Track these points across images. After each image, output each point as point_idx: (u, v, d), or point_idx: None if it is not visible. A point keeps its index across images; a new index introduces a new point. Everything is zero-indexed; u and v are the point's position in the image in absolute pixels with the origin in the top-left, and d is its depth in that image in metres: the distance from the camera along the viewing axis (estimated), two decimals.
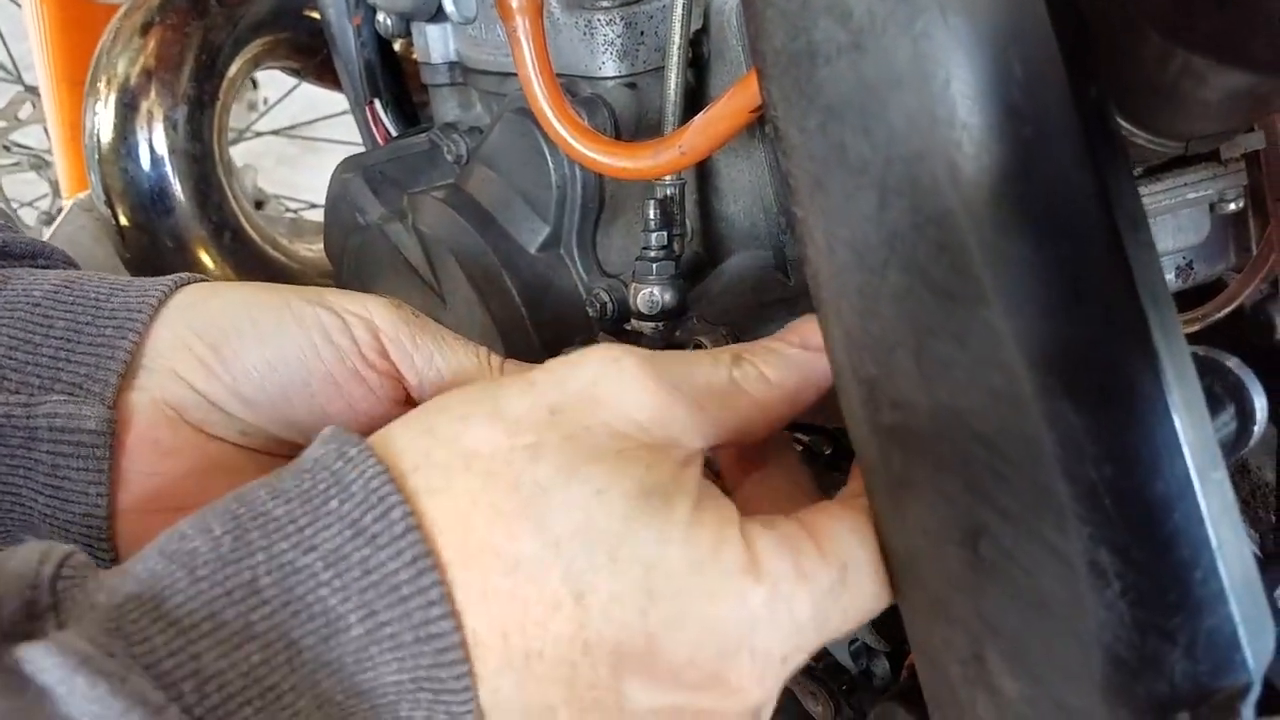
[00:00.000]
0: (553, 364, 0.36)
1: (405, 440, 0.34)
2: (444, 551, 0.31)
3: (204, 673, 0.28)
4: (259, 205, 2.21)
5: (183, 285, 0.45)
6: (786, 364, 0.37)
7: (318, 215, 2.07)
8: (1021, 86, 0.28)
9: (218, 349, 0.42)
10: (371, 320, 0.44)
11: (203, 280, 0.46)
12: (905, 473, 0.34)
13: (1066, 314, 0.29)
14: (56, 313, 0.42)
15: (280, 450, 0.45)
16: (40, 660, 0.27)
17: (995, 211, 0.29)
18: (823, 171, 0.33)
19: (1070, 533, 0.30)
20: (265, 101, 2.06)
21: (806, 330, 0.38)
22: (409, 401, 0.45)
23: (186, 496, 0.41)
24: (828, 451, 0.52)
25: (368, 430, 0.35)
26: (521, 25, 0.49)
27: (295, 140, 2.21)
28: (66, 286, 0.43)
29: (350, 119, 0.93)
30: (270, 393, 0.43)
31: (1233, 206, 0.44)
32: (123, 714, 0.26)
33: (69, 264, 0.51)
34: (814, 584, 0.33)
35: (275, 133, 2.10)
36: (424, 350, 0.45)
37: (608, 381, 0.34)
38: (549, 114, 0.50)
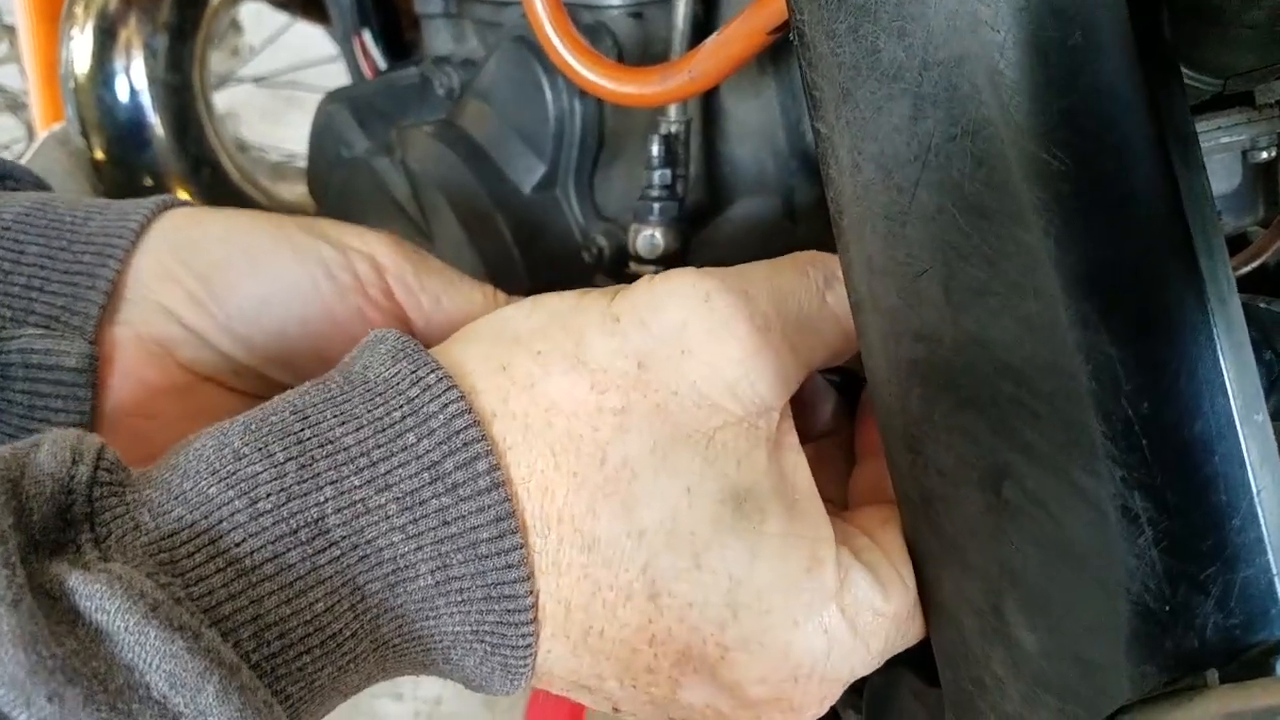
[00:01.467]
0: (634, 294, 0.33)
1: (480, 374, 0.31)
2: (524, 513, 0.30)
3: (265, 619, 0.26)
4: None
5: (166, 209, 0.41)
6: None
7: (301, 165, 2.04)
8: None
9: (208, 281, 0.39)
10: (375, 256, 0.41)
11: (187, 204, 0.43)
12: (925, 410, 0.32)
13: (1108, 235, 0.27)
14: (28, 238, 0.38)
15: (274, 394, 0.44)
16: (99, 598, 0.23)
17: (1038, 122, 0.26)
18: (852, 80, 0.30)
19: (1102, 474, 0.28)
20: (251, 49, 2.01)
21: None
22: None
23: (172, 441, 0.40)
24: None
25: None
26: None
27: (278, 95, 2.16)
28: (39, 209, 0.39)
29: (336, 71, 0.89)
30: (266, 330, 0.40)
31: (1264, 155, 0.42)
32: (200, 675, 0.23)
33: (39, 186, 0.47)
34: (893, 619, 0.33)
35: (258, 80, 2.06)
36: (430, 290, 0.42)
37: (698, 327, 0.32)
38: (552, 35, 0.47)
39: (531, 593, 0.29)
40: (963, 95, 0.27)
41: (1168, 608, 0.28)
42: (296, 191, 1.02)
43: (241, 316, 0.40)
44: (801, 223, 0.60)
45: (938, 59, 0.28)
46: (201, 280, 0.39)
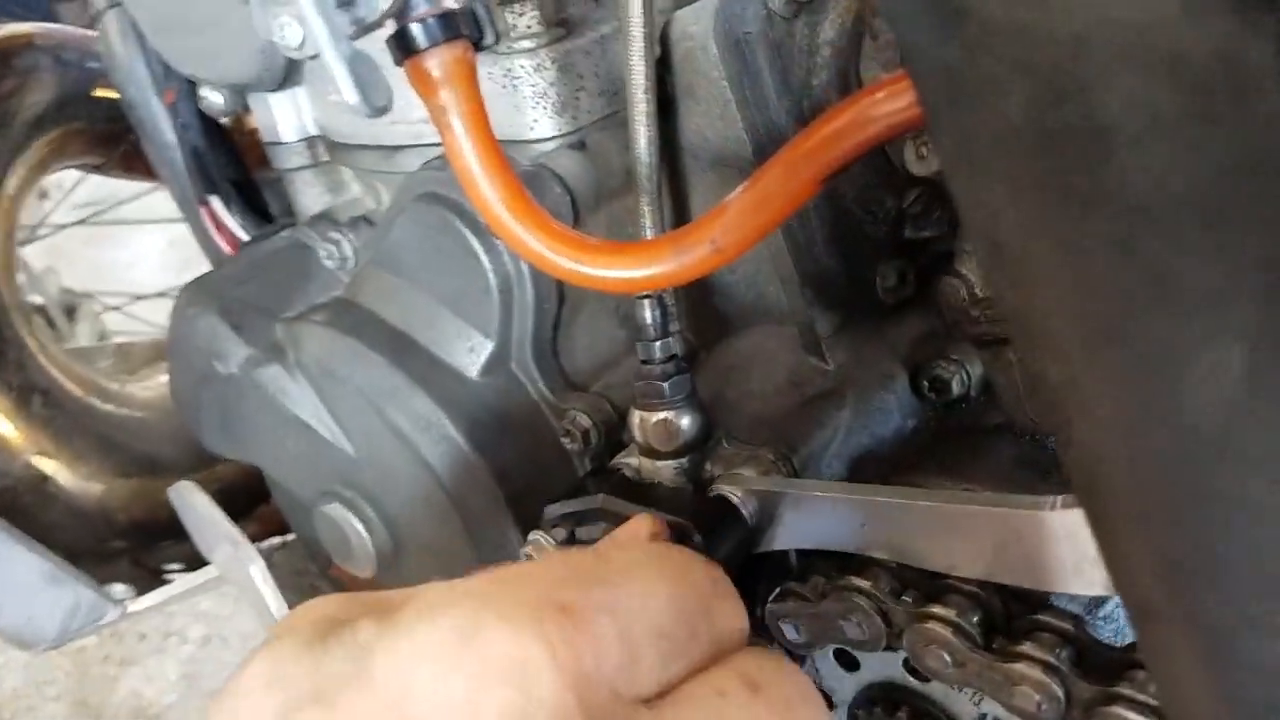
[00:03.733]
0: None
1: None
2: None
3: None
4: (70, 313, 1.92)
5: None
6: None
7: (146, 312, 1.81)
8: None
9: None
10: None
11: None
12: None
13: None
14: None
15: None
16: None
17: None
18: (1122, 312, 0.19)
19: None
20: (60, 187, 1.79)
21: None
22: None
23: None
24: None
25: None
26: (450, 100, 0.33)
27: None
28: None
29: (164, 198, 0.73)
30: None
31: None
32: None
33: None
34: None
35: (81, 223, 1.83)
36: None
37: None
38: (506, 219, 0.34)
39: None
40: None
41: None
42: (154, 383, 0.84)
43: None
44: (832, 358, 0.48)
45: None
46: None
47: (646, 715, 0.27)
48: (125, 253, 2.31)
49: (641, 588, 0.29)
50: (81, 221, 1.78)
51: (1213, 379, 0.19)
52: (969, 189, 0.21)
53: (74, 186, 1.73)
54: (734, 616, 0.32)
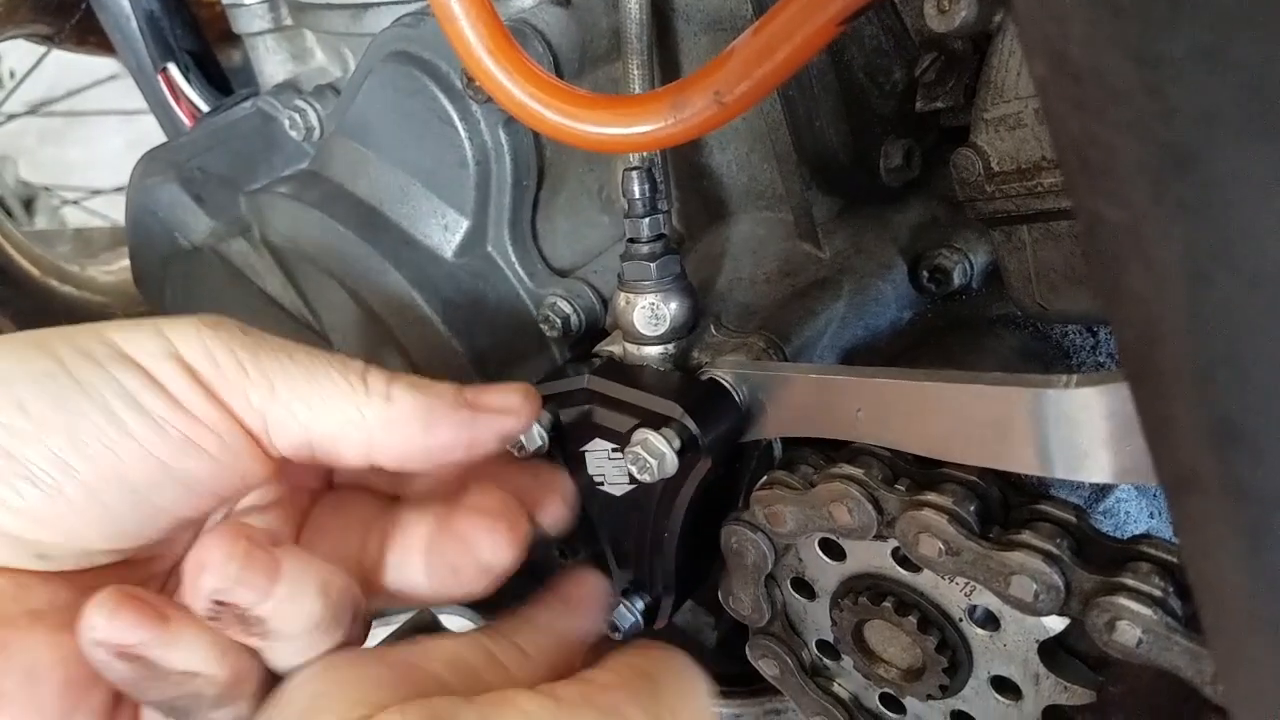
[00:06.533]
0: None
1: None
2: None
3: None
4: (28, 205, 1.85)
5: None
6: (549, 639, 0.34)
7: (101, 205, 1.75)
8: None
9: None
10: (179, 354, 0.32)
11: None
12: None
13: None
14: None
15: (113, 562, 0.33)
16: None
17: None
18: (1204, 139, 0.17)
19: None
20: (12, 75, 1.71)
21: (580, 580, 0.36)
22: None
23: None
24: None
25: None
26: None
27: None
28: None
29: (121, 89, 0.69)
30: (73, 499, 0.31)
31: None
32: None
33: None
34: None
35: (32, 112, 1.75)
36: (258, 381, 0.33)
37: None
38: (493, 68, 0.31)
39: None
40: None
41: None
42: (115, 267, 0.80)
43: (32, 489, 0.31)
44: (828, 246, 0.46)
45: None
46: None
47: None
48: (83, 151, 2.22)
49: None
50: (32, 111, 1.71)
51: None
52: None
53: (27, 74, 1.65)
54: None
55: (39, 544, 0.32)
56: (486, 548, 0.34)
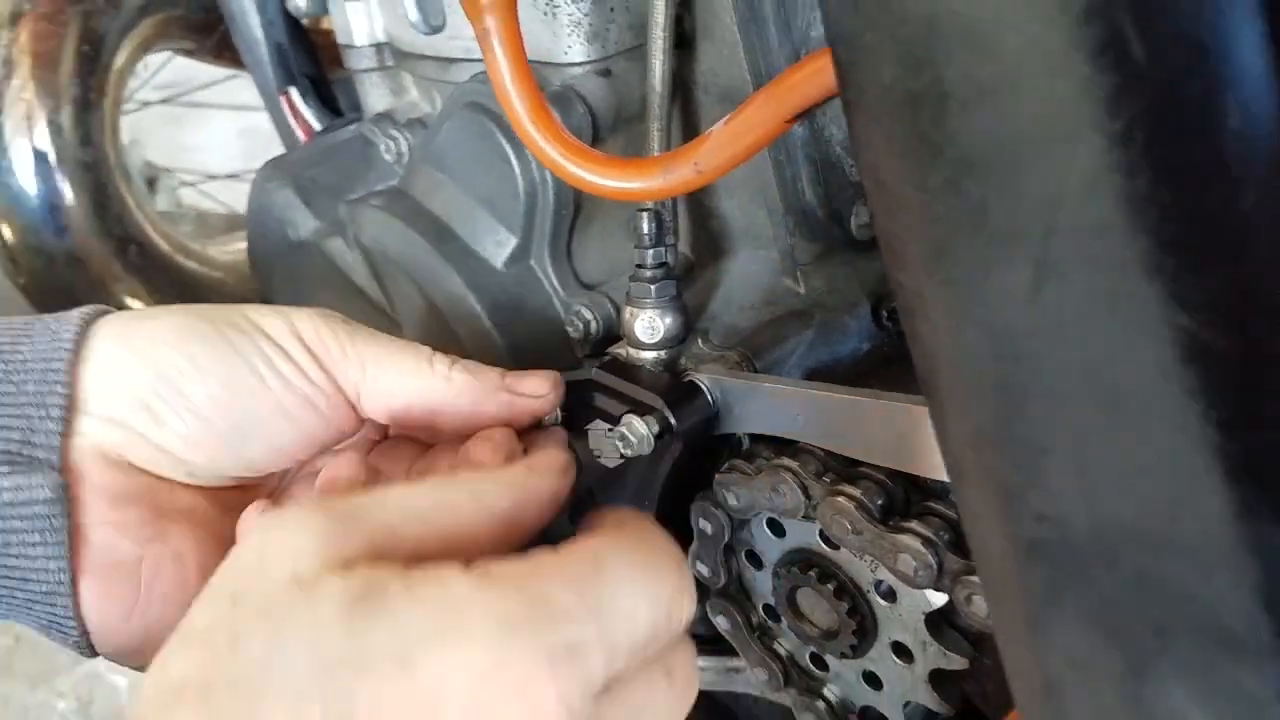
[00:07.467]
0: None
1: None
2: None
3: None
4: (151, 184, 2.03)
5: (94, 320, 0.41)
6: (502, 490, 0.34)
7: (217, 191, 1.92)
8: (1237, 141, 0.21)
9: (157, 391, 0.40)
10: (301, 335, 0.42)
11: (111, 311, 0.42)
12: (1051, 594, 0.28)
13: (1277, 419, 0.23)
14: None
15: (234, 485, 0.44)
16: None
17: (1201, 298, 0.22)
18: (950, 238, 0.26)
19: (1270, 676, 0.25)
20: (146, 66, 1.89)
21: (542, 452, 0.38)
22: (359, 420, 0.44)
23: (141, 542, 0.40)
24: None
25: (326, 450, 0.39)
26: (493, 26, 0.41)
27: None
28: None
29: (240, 86, 0.81)
30: (220, 432, 0.41)
31: None
32: None
33: None
34: None
35: (165, 101, 1.93)
36: (355, 360, 0.42)
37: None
38: (531, 130, 0.42)
39: None
40: (1104, 267, 0.23)
41: None
42: (230, 249, 0.94)
43: (195, 421, 0.40)
44: (806, 283, 0.55)
45: (1069, 224, 0.23)
46: (152, 390, 0.40)
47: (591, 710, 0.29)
48: (198, 136, 2.41)
49: (629, 607, 0.30)
50: (165, 100, 1.88)
51: (1008, 292, 0.26)
52: (861, 136, 0.28)
53: (159, 68, 1.82)
54: (687, 610, 0.33)
55: (191, 464, 0.41)
56: (485, 456, 0.42)
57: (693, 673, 0.34)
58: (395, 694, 0.27)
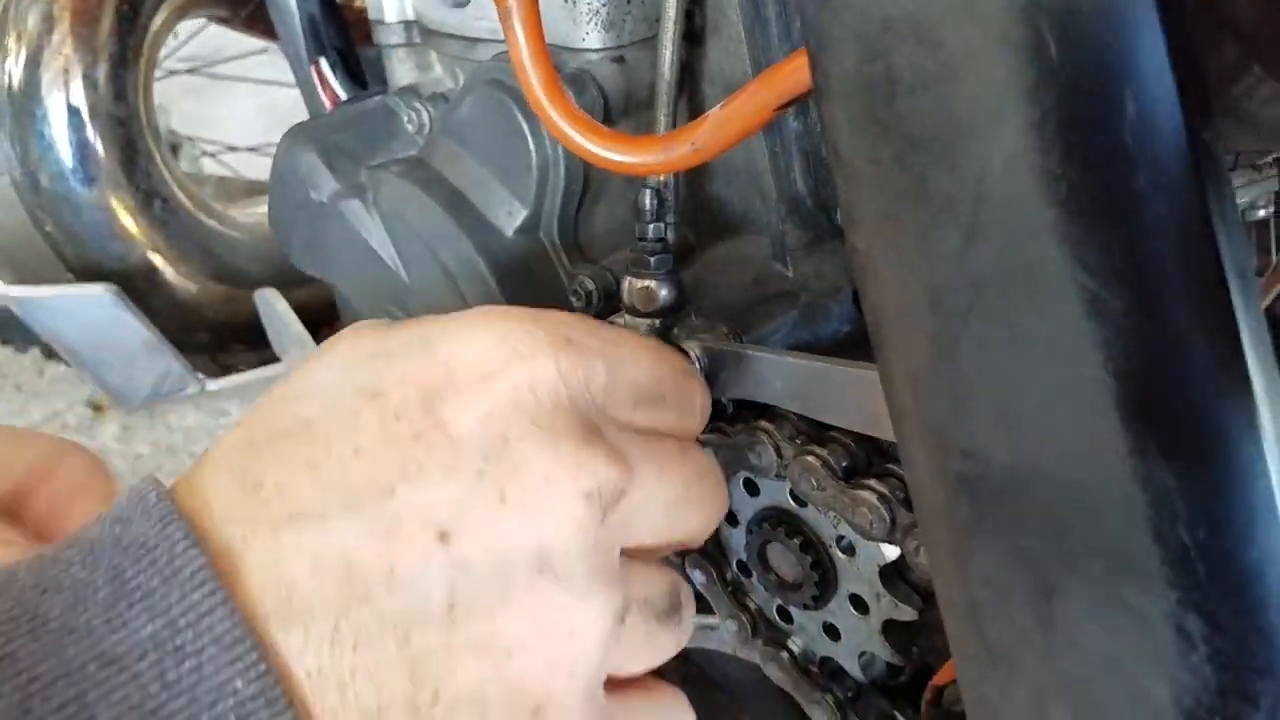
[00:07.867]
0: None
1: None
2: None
3: None
4: (174, 150, 2.08)
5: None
6: None
7: (235, 161, 1.96)
8: (1134, 129, 0.25)
9: None
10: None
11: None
12: (973, 523, 0.32)
13: (1169, 372, 0.27)
14: None
15: None
16: None
17: (1102, 262, 0.26)
18: (895, 205, 0.30)
19: (1156, 595, 0.29)
20: (175, 35, 1.93)
21: None
22: None
23: None
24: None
25: None
26: (514, 5, 0.45)
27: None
28: None
29: (265, 61, 0.85)
30: None
31: (1262, 213, 0.43)
32: None
33: None
34: None
35: (191, 70, 1.97)
36: None
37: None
38: (545, 104, 0.46)
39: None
40: (1020, 232, 0.27)
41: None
42: (251, 212, 0.98)
43: None
44: (794, 268, 0.59)
45: (993, 195, 0.27)
46: None
47: (611, 431, 0.36)
48: (220, 109, 2.45)
49: (629, 351, 0.38)
50: (192, 70, 1.92)
51: (942, 252, 0.30)
52: (827, 116, 0.32)
53: (190, 37, 1.86)
54: (696, 394, 0.41)
55: None
56: None
57: (708, 466, 0.41)
58: (417, 369, 0.33)
